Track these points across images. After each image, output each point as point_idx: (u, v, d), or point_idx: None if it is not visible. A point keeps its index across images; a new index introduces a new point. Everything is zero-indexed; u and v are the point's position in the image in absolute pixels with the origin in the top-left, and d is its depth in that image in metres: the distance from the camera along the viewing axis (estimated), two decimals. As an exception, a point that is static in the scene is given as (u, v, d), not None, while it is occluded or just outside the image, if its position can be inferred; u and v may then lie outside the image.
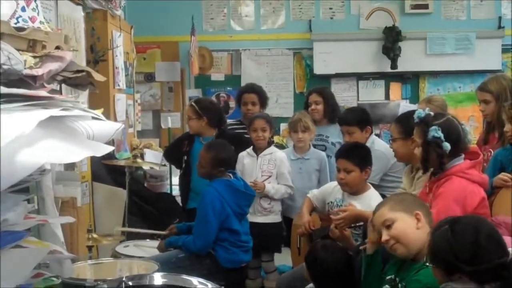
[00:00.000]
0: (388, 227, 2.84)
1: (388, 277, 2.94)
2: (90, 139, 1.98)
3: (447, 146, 3.27)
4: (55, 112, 1.81)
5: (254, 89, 5.73)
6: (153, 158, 6.21)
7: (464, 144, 3.43)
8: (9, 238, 1.85)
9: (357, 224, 4.01)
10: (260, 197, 4.86)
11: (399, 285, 2.83)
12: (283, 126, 7.47)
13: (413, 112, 3.56)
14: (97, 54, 5.69)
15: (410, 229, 2.80)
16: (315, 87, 6.07)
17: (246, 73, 8.19)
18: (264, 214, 4.94)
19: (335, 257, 3.68)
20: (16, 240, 1.87)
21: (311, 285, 3.81)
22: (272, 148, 5.07)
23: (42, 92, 1.91)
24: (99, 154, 1.87)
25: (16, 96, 1.80)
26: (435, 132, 3.29)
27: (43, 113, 1.72)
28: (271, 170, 4.95)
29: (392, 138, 4.06)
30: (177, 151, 5.34)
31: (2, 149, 1.48)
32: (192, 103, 5.29)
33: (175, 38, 8.05)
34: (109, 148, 1.96)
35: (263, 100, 5.69)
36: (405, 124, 3.72)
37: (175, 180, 6.19)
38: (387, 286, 2.91)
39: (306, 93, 5.93)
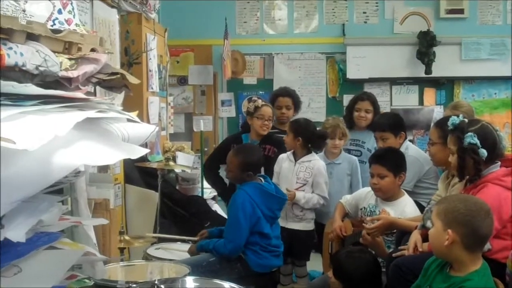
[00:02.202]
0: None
1: None
2: (125, 141, 1.99)
3: (483, 152, 3.22)
4: (91, 114, 1.81)
5: (288, 92, 5.68)
6: (185, 161, 6.23)
7: (499, 150, 3.37)
8: (44, 239, 1.85)
9: (390, 231, 3.98)
10: (292, 204, 4.83)
11: None
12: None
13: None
14: (131, 57, 5.73)
15: (439, 242, 2.75)
16: (365, 93, 5.91)
17: (278, 77, 8.16)
18: (296, 221, 4.88)
19: (360, 264, 3.65)
20: (51, 241, 1.88)
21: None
22: (312, 156, 4.94)
23: (79, 94, 1.92)
24: (134, 156, 1.87)
25: (53, 98, 1.81)
26: (471, 138, 3.24)
27: (79, 115, 1.72)
28: (306, 178, 4.86)
29: (431, 142, 4.01)
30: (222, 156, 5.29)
31: (38, 150, 1.48)
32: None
33: (208, 41, 8.07)
34: (144, 151, 1.96)
35: (297, 103, 5.66)
36: (446, 129, 3.59)
37: (207, 183, 6.20)
38: None
39: (353, 97, 5.73)
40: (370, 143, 5.34)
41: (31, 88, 1.72)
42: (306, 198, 4.83)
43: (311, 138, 4.91)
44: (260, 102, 5.27)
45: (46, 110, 1.71)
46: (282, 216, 4.68)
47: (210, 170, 5.76)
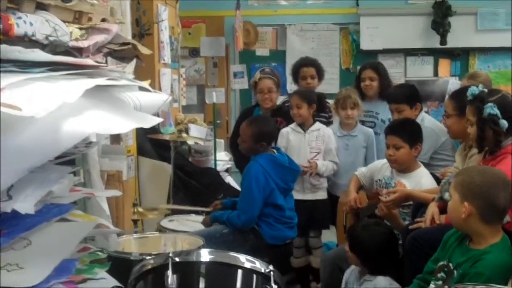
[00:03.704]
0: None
1: (440, 264, 2.84)
2: (137, 110, 1.94)
3: (504, 123, 3.13)
4: (102, 81, 1.76)
5: (312, 62, 5.55)
6: (197, 133, 6.19)
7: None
8: (55, 211, 1.81)
9: (406, 204, 3.93)
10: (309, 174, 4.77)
11: (454, 271, 2.72)
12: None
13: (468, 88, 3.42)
14: (143, 28, 5.68)
15: (457, 214, 2.71)
16: (369, 62, 5.86)
17: (291, 49, 8.07)
18: (313, 191, 4.83)
19: (375, 237, 3.61)
20: (62, 213, 1.84)
21: (353, 266, 3.75)
22: (318, 124, 4.94)
23: (89, 61, 1.87)
24: (147, 125, 1.82)
25: (62, 65, 1.76)
26: (491, 109, 3.15)
27: (89, 82, 1.67)
28: (319, 147, 4.84)
29: (446, 114, 3.94)
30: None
31: (46, 117, 1.43)
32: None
33: (220, 13, 7.98)
34: (157, 120, 1.91)
35: (320, 73, 5.54)
36: (461, 100, 3.54)
37: (220, 155, 6.17)
38: (442, 274, 2.80)
39: (359, 68, 5.69)
40: (384, 114, 5.24)
41: (38, 54, 1.67)
42: (325, 166, 4.80)
43: (319, 101, 4.96)
44: (258, 75, 5.22)
45: (55, 77, 1.66)
46: (298, 189, 4.64)
47: (234, 148, 5.62)
